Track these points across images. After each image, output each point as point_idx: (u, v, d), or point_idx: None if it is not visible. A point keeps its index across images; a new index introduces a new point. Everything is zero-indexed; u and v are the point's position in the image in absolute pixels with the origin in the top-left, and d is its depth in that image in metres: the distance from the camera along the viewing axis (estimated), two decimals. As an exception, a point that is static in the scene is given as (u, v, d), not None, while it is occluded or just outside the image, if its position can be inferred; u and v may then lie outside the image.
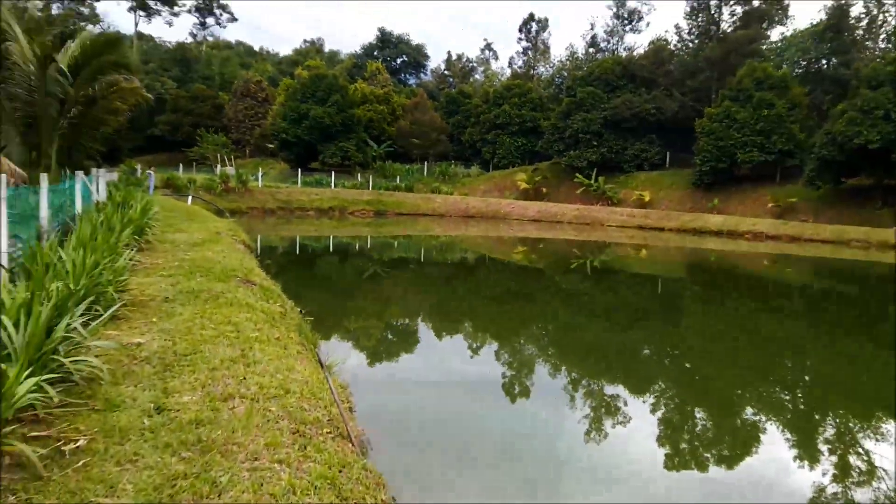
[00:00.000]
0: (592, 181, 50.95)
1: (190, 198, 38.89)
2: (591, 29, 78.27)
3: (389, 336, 14.57)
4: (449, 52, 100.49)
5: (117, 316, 7.54)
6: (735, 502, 6.75)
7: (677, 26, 60.86)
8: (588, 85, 53.58)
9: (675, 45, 58.42)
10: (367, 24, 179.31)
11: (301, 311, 10.98)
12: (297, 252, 29.50)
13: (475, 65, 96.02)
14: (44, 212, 10.92)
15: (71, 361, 4.84)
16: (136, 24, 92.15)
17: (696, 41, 56.62)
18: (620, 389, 10.73)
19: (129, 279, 8.90)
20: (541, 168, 57.29)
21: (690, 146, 49.60)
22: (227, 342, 6.67)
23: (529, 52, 79.10)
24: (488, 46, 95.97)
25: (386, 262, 27.00)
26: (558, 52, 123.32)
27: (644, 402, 10.06)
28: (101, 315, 7.04)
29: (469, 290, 21.13)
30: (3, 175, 7.62)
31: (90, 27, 61.91)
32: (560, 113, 54.73)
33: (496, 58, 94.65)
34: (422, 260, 28.95)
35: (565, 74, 70.93)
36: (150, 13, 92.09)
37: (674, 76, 54.47)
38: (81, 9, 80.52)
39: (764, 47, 54.66)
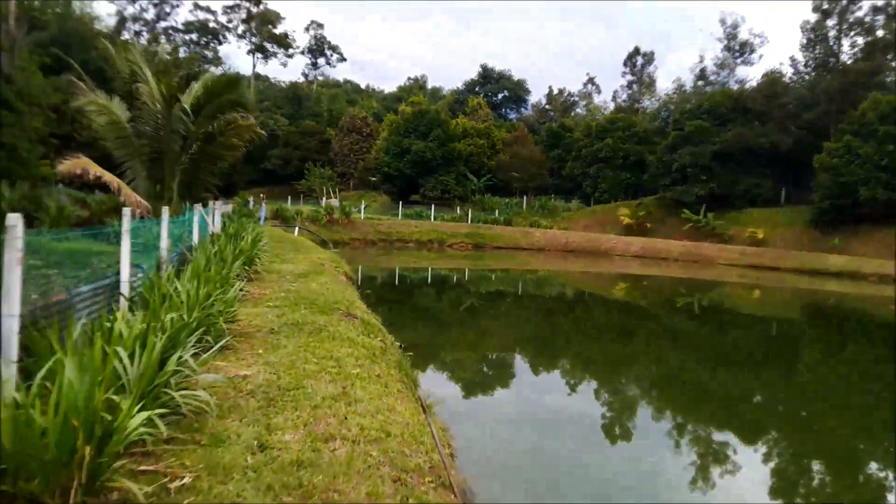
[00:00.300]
0: (701, 217, 49.17)
1: (296, 229, 40.19)
2: (700, 62, 76.37)
3: (487, 371, 14.37)
4: (550, 87, 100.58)
5: (226, 346, 7.71)
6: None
7: (792, 58, 58.34)
8: (696, 118, 52.05)
9: (790, 78, 56.07)
10: (470, 60, 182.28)
11: (401, 346, 10.95)
12: (397, 283, 29.84)
13: (577, 99, 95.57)
14: (164, 242, 11.44)
15: (181, 395, 4.91)
16: (254, 66, 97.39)
17: (813, 73, 54.07)
18: (729, 436, 10.16)
19: (238, 310, 9.12)
20: (645, 203, 55.92)
21: (807, 182, 47.22)
22: (329, 378, 6.67)
23: (634, 86, 78.00)
24: (591, 80, 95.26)
25: (483, 295, 26.88)
26: (664, 86, 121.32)
27: (755, 450, 9.51)
28: (211, 346, 7.22)
29: (568, 325, 20.74)
30: (127, 209, 7.98)
31: (213, 69, 65.75)
32: (666, 146, 53.41)
33: (599, 91, 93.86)
34: (519, 293, 28.66)
35: (672, 108, 69.38)
36: (266, 55, 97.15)
37: (789, 109, 52.08)
38: (206, 52, 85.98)
39: (888, 79, 51.56)
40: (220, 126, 20.51)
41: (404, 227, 48.91)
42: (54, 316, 5.96)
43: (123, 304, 7.78)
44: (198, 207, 15.24)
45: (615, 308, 25.81)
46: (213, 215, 19.21)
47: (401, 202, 56.01)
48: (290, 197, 59.04)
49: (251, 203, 47.07)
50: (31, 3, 41.10)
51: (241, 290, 11.16)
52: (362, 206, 52.34)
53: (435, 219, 52.35)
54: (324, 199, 57.38)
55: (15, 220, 4.98)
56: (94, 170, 16.91)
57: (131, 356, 4.81)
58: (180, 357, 5.28)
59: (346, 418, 5.60)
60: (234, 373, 6.61)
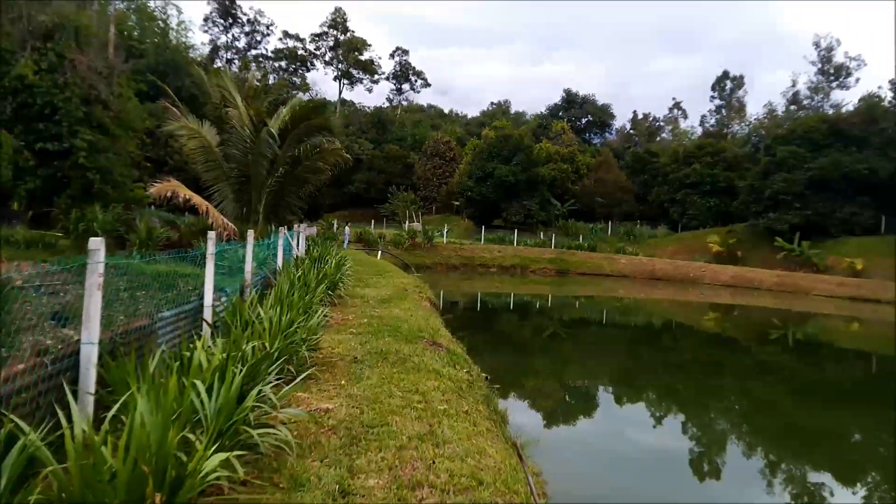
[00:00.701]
0: (795, 245, 46.69)
1: (379, 252, 40.38)
2: (793, 86, 73.25)
3: (574, 404, 13.73)
4: (635, 112, 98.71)
5: (308, 376, 7.42)
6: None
7: (892, 82, 55.11)
8: (789, 143, 49.73)
9: (889, 102, 52.91)
10: (553, 85, 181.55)
11: (486, 378, 10.45)
12: (478, 308, 29.38)
13: (662, 124, 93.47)
14: (248, 266, 11.37)
15: (260, 433, 4.56)
16: (340, 92, 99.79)
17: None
18: (826, 477, 9.51)
19: (320, 337, 8.85)
20: (735, 230, 53.64)
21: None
22: (414, 414, 6.24)
23: (723, 110, 75.53)
24: (677, 105, 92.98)
25: (567, 322, 26.18)
26: (755, 110, 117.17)
27: (854, 492, 8.87)
28: (293, 376, 6.93)
29: (656, 356, 19.89)
30: (212, 233, 7.85)
31: (300, 95, 67.59)
32: (758, 173, 51.21)
33: (685, 117, 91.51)
34: (604, 322, 27.75)
35: (763, 133, 66.76)
36: (352, 81, 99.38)
37: (888, 134, 49.08)
38: (294, 79, 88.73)
39: None
40: (306, 150, 20.74)
41: (486, 252, 48.49)
42: (133, 343, 5.78)
43: (206, 330, 7.61)
44: (282, 231, 15.23)
45: (703, 339, 24.63)
46: (297, 238, 19.30)
47: (483, 226, 55.69)
48: (373, 220, 59.68)
49: (335, 226, 47.75)
50: (130, 33, 43.26)
51: (323, 315, 10.94)
52: (445, 231, 52.28)
53: (518, 244, 51.72)
54: (406, 222, 57.60)
55: (97, 244, 4.79)
56: (184, 192, 17.25)
57: (209, 389, 4.51)
58: (260, 391, 4.95)
59: (433, 462, 5.14)
60: (316, 405, 6.28)
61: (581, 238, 54.75)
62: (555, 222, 59.51)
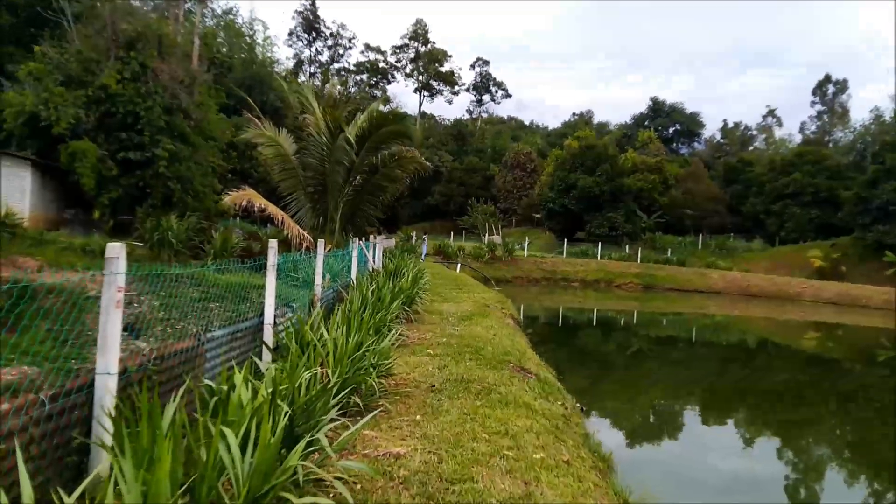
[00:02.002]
0: (907, 261, 43.06)
1: (458, 265, 39.44)
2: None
3: (665, 431, 12.25)
4: (724, 121, 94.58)
5: (377, 405, 6.39)
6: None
7: None
8: (901, 150, 46.08)
9: None
10: (639, 93, 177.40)
11: (581, 409, 9.19)
12: (560, 324, 28.03)
13: (755, 132, 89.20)
14: (319, 279, 10.49)
15: (306, 502, 3.50)
16: (420, 104, 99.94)
17: None
18: None
19: (395, 359, 7.80)
20: (839, 244, 50.02)
21: None
22: (504, 465, 5.07)
23: (825, 116, 71.17)
24: (771, 113, 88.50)
25: (654, 340, 24.88)
26: (859, 116, 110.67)
27: None
28: (359, 409, 5.92)
29: (750, 377, 18.24)
30: (273, 241, 6.94)
31: (381, 107, 67.60)
32: (865, 182, 47.59)
33: (780, 125, 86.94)
34: (693, 340, 25.94)
35: (869, 139, 62.49)
36: (433, 93, 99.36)
37: None
38: (375, 92, 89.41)
39: None
40: (383, 158, 19.97)
41: (569, 266, 46.86)
42: (171, 371, 4.85)
43: (266, 355, 6.68)
44: (356, 241, 14.37)
45: (802, 360, 22.78)
46: (373, 250, 18.46)
47: (565, 239, 53.98)
48: (452, 233, 58.81)
49: (414, 238, 47.12)
50: (218, 48, 43.99)
51: (399, 334, 9.93)
52: (525, 243, 50.88)
53: (602, 257, 49.84)
54: (486, 235, 56.47)
55: (116, 250, 3.87)
56: (259, 202, 16.67)
57: (245, 441, 3.49)
58: (311, 440, 3.90)
59: (533, 539, 3.97)
60: (385, 449, 5.20)
61: (669, 252, 52.33)
62: (641, 235, 57.06)
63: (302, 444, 3.66)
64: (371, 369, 6.49)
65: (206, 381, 4.50)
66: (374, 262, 18.36)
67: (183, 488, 3.14)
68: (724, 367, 20.05)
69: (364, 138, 19.59)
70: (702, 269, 48.01)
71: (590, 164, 57.56)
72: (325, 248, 15.29)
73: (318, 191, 19.99)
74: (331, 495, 3.93)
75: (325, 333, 6.72)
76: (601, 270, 46.53)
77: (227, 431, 3.35)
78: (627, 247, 53.05)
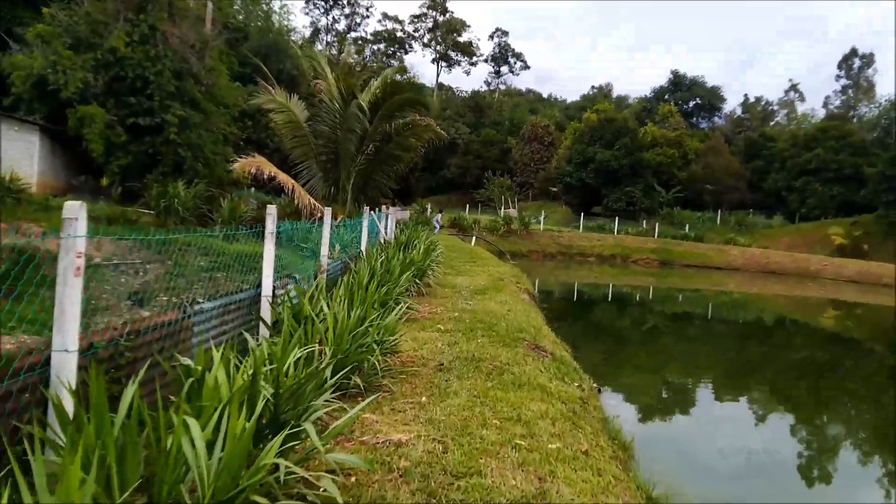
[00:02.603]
0: (934, 240, 41.97)
1: (473, 238, 38.90)
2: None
3: (681, 414, 11.77)
4: (745, 95, 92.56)
5: (380, 386, 5.92)
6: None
7: None
8: (931, 125, 44.70)
9: None
10: (659, 68, 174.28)
11: (598, 390, 8.70)
12: (575, 299, 27.56)
13: (776, 108, 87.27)
14: (325, 249, 10.01)
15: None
16: (438, 75, 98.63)
17: None
18: None
19: (400, 336, 7.31)
20: (861, 221, 48.87)
21: None
22: (516, 457, 4.57)
23: (850, 91, 69.29)
24: (793, 87, 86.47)
25: (669, 316, 24.51)
26: (886, 91, 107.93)
27: None
28: (360, 390, 5.45)
29: (768, 355, 18.04)
30: (272, 207, 6.44)
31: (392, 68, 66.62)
32: (890, 158, 46.26)
33: (802, 99, 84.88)
34: (710, 317, 25.57)
35: (894, 115, 60.85)
36: (450, 64, 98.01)
37: None
38: (392, 61, 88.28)
39: None
40: (397, 126, 19.41)
41: (585, 241, 46.18)
42: (151, 347, 4.38)
43: (264, 330, 6.21)
44: (367, 211, 13.86)
45: (821, 339, 22.30)
46: (385, 221, 17.95)
47: (582, 214, 53.17)
48: (467, 206, 58.04)
49: (428, 210, 46.57)
50: (234, 14, 43.24)
51: (407, 307, 9.45)
52: (542, 217, 50.16)
53: (618, 232, 49.06)
54: (502, 208, 55.73)
55: (75, 210, 3.37)
56: (269, 169, 16.21)
57: (213, 439, 3.01)
58: (296, 430, 3.41)
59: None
60: (385, 436, 4.73)
61: (687, 227, 51.41)
62: (659, 210, 56.04)
63: (279, 438, 3.15)
64: (375, 346, 6.00)
65: (184, 360, 4.00)
66: (385, 233, 17.87)
67: (136, 485, 2.67)
68: (742, 344, 19.68)
69: (378, 106, 19.04)
70: (720, 246, 47.18)
71: (609, 138, 56.46)
72: (336, 219, 14.86)
73: (329, 159, 19.50)
74: (321, 489, 3.46)
75: (325, 307, 6.24)
76: (618, 246, 45.85)
77: (192, 422, 2.86)
78: (645, 222, 52.18)
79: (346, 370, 5.31)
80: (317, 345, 5.32)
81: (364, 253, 12.81)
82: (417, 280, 12.20)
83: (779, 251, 46.90)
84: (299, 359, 4.60)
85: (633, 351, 17.32)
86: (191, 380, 3.65)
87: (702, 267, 43.82)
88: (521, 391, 6.18)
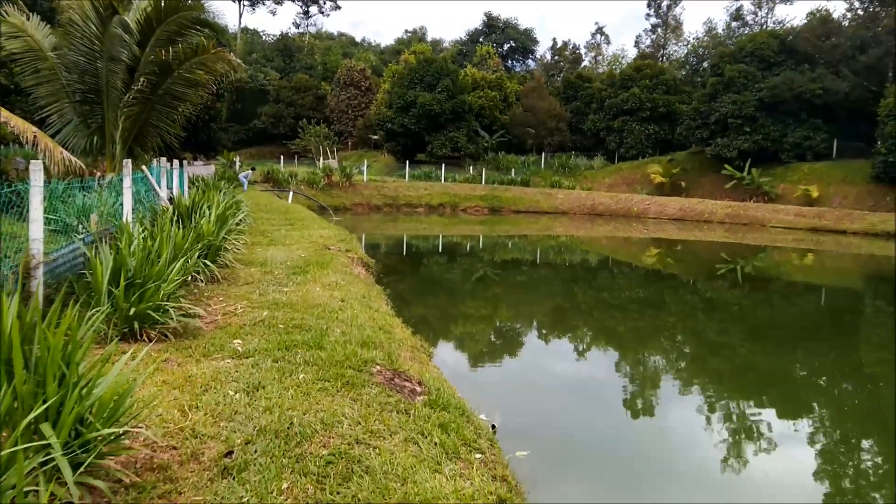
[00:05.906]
0: (744, 174, 43.50)
1: (291, 194, 34.77)
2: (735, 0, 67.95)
3: (505, 357, 11.45)
4: (554, 40, 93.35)
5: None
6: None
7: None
8: (738, 62, 45.95)
9: (842, 15, 49.66)
10: (468, 11, 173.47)
11: (493, 427, 5.69)
12: (404, 253, 25.42)
13: (584, 51, 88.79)
14: (36, 229, 6.09)
15: None
16: (241, 15, 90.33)
17: (868, 9, 47.73)
18: (768, 414, 8.82)
19: (136, 405, 3.76)
20: (677, 159, 50.13)
21: (863, 133, 41.74)
22: None
23: (659, 30, 71.10)
24: (599, 30, 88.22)
25: (499, 264, 23.51)
26: (693, 29, 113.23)
27: (796, 429, 8.29)
28: None
29: (590, 296, 18.37)
30: None
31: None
32: (704, 95, 47.32)
33: (608, 42, 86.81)
34: (537, 262, 24.88)
35: (702, 52, 63.07)
36: (254, 3, 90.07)
37: (842, 51, 45.89)
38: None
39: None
40: (178, 54, 14.98)
41: (412, 190, 43.47)
42: None
43: None
44: (128, 166, 9.75)
45: (643, 277, 22.42)
46: (166, 178, 13.77)
47: (407, 162, 50.18)
48: (282, 157, 52.83)
49: (237, 164, 41.50)
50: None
51: (181, 313, 5.86)
52: (364, 167, 46.61)
53: (445, 180, 46.81)
54: (321, 159, 51.34)
55: None
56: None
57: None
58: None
59: None
60: None
61: (513, 172, 50.23)
62: (484, 156, 54.38)
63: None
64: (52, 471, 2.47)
65: None
66: (168, 193, 13.68)
67: None
68: (568, 287, 19.55)
69: (152, 27, 14.46)
70: (547, 190, 46.48)
71: (429, 80, 53.53)
72: (105, 177, 10.76)
73: (88, 100, 14.73)
74: None
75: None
76: (446, 194, 43.67)
77: None
78: (471, 168, 50.30)
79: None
80: None
81: (122, 231, 8.81)
82: (207, 262, 8.47)
83: (604, 193, 47.03)
84: None
85: (462, 301, 16.04)
86: None
87: (530, 212, 43.01)
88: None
